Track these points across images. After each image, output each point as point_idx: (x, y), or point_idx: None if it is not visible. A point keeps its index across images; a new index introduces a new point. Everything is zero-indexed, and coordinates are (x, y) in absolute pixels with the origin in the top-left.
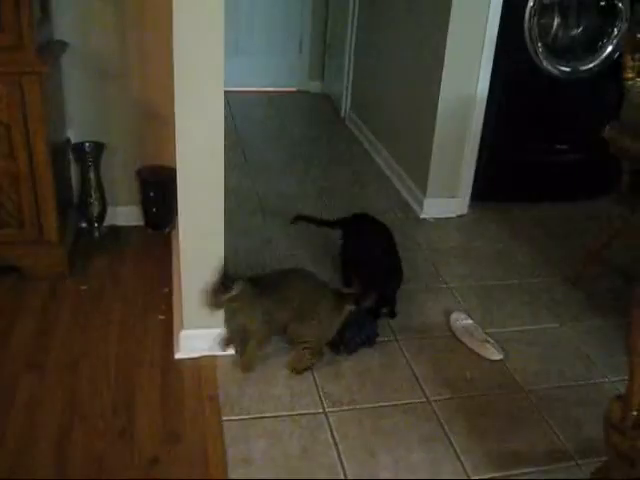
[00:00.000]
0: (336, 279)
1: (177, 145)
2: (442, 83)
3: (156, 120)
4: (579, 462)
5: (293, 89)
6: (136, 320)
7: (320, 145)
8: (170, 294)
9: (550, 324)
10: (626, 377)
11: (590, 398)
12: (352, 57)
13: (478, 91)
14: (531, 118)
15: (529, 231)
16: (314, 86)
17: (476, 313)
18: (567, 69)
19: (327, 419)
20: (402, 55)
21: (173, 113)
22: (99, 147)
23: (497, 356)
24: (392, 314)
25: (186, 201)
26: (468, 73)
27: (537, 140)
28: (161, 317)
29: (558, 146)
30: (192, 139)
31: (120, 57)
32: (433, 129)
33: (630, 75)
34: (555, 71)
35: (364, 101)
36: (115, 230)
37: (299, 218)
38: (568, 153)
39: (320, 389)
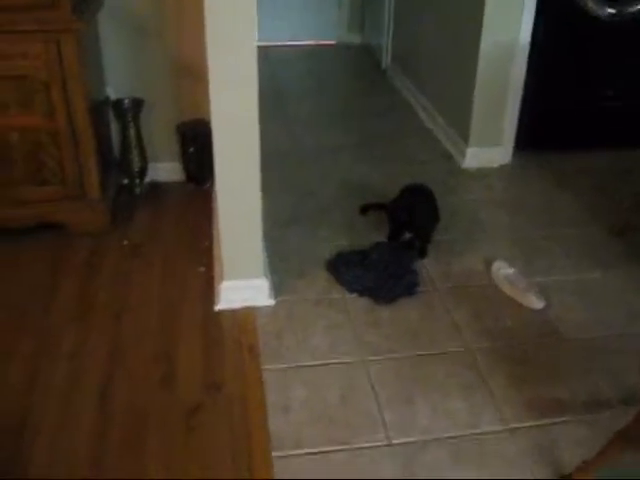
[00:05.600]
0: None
1: (211, 100)
2: (483, 29)
3: (193, 75)
4: (619, 411)
5: (332, 42)
6: (177, 273)
7: (362, 97)
8: (210, 247)
9: (593, 273)
10: None
11: (632, 347)
12: (392, 8)
13: (521, 36)
14: (576, 63)
15: (574, 180)
16: (354, 38)
17: (518, 262)
18: (613, 10)
19: (366, 368)
20: (442, 3)
21: (206, 69)
22: (138, 103)
23: (539, 305)
24: (422, 253)
25: (222, 154)
26: (510, 17)
27: (582, 86)
28: (201, 269)
29: (604, 92)
30: (226, 94)
31: (156, 13)
32: (474, 76)
33: None
34: (601, 13)
35: (405, 52)
36: (156, 186)
37: (367, 208)
38: (614, 99)
39: (359, 338)
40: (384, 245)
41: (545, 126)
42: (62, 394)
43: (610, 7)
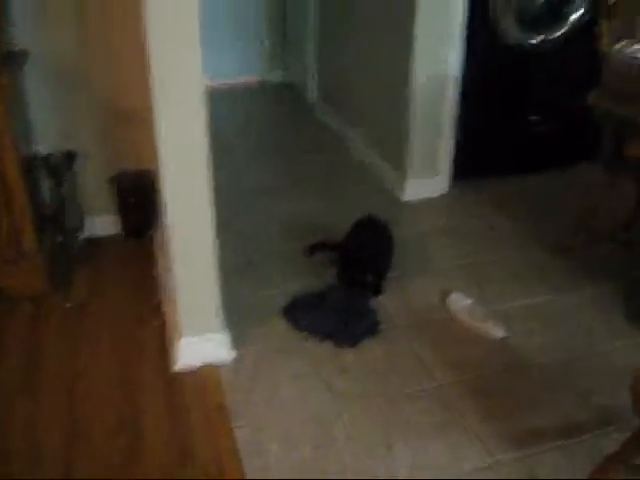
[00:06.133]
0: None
1: (160, 146)
2: (414, 64)
3: (129, 123)
4: (596, 433)
5: (255, 79)
6: (128, 333)
7: (292, 135)
8: (160, 304)
9: (546, 296)
10: (628, 342)
11: (597, 367)
12: (315, 44)
13: (450, 70)
14: (504, 92)
15: (513, 204)
16: (276, 75)
17: (471, 292)
18: (535, 41)
19: (339, 416)
20: (370, 39)
21: (146, 115)
22: (70, 156)
23: (501, 333)
24: (377, 290)
25: (174, 203)
26: (440, 52)
27: (511, 114)
28: (155, 324)
29: (534, 117)
30: (175, 137)
31: (84, 60)
32: (408, 111)
33: (606, 42)
34: (525, 43)
35: (332, 88)
36: (94, 242)
37: (314, 248)
38: (541, 124)
39: (328, 386)
40: (338, 286)
41: (479, 154)
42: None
43: (533, 37)
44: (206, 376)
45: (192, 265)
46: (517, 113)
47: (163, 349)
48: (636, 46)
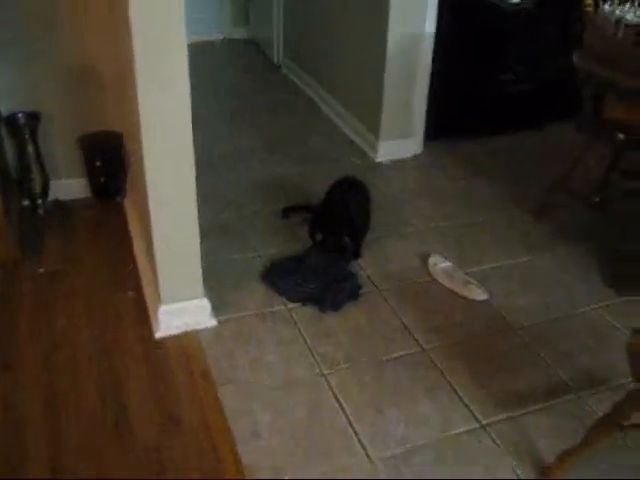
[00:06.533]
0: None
1: (140, 105)
2: (390, 22)
3: (95, 82)
4: (580, 394)
5: (218, 37)
6: (105, 300)
7: (260, 95)
8: (135, 268)
9: (523, 257)
10: (606, 303)
11: (577, 328)
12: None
13: (426, 27)
14: (480, 51)
15: (488, 165)
16: (239, 33)
17: (449, 254)
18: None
19: (327, 381)
20: None
21: (114, 73)
22: (34, 117)
23: (482, 296)
24: (356, 253)
25: (154, 164)
26: (415, 9)
27: (485, 73)
28: (130, 293)
29: (506, 77)
30: (156, 96)
31: (49, 17)
32: (383, 69)
33: (590, 2)
34: (505, 3)
35: (300, 46)
36: (61, 205)
37: (289, 210)
38: (516, 84)
39: (313, 351)
40: (317, 250)
41: (453, 114)
42: (5, 459)
43: None
44: (188, 343)
45: (172, 230)
46: (492, 72)
47: (141, 317)
48: (622, 8)
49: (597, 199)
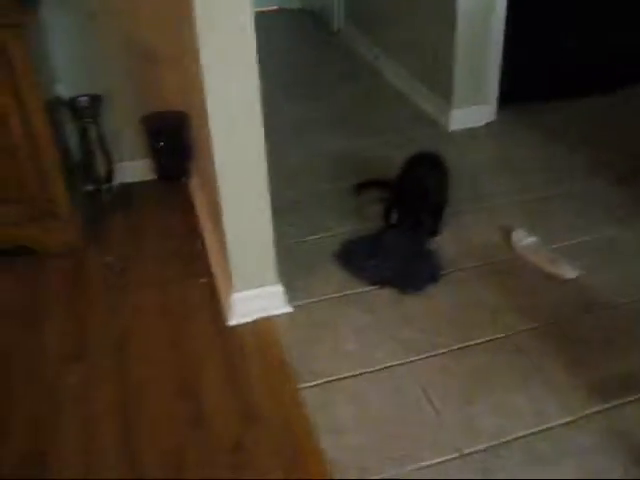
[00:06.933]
0: None
1: (206, 84)
2: None
3: (155, 62)
4: None
5: (273, 7)
6: (175, 287)
7: (320, 65)
8: (204, 251)
9: (612, 230)
10: None
11: None
12: None
13: None
14: (555, 12)
15: (563, 131)
16: (294, 2)
17: (533, 228)
18: None
19: (411, 369)
20: None
21: (176, 51)
22: (96, 100)
23: (572, 274)
24: (434, 231)
25: (223, 145)
26: None
27: (561, 34)
28: (202, 280)
29: (583, 40)
30: (222, 75)
31: None
32: (453, 32)
33: None
34: None
35: (360, 12)
36: (126, 189)
37: (362, 186)
38: (593, 46)
39: (394, 337)
40: (393, 228)
41: (526, 78)
42: (77, 448)
43: None
44: (263, 331)
45: (243, 215)
46: (567, 34)
47: (214, 304)
48: None
49: None
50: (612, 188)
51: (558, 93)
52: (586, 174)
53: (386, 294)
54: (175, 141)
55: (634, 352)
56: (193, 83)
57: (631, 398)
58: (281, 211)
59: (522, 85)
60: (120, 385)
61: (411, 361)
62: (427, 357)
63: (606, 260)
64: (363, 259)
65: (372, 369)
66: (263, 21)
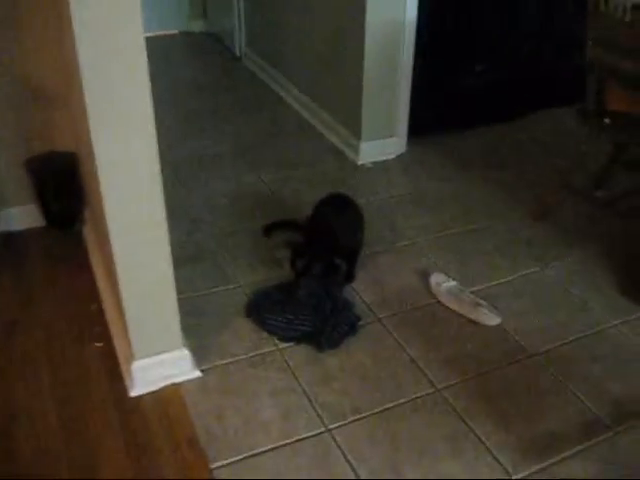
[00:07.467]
0: None
1: (92, 124)
2: (367, 6)
3: (42, 99)
4: (618, 429)
5: (174, 32)
6: (68, 352)
7: (223, 93)
8: (101, 310)
9: (531, 268)
10: (626, 317)
11: (602, 350)
12: None
13: (407, 13)
14: (460, 41)
15: (474, 161)
16: (196, 26)
17: (451, 269)
18: None
19: (333, 438)
20: None
21: (64, 90)
22: None
23: (495, 320)
24: (350, 276)
25: (114, 191)
26: None
27: (468, 62)
28: (98, 344)
29: (489, 66)
30: (114, 113)
31: None
32: (361, 64)
33: None
34: None
35: (265, 37)
36: (11, 237)
37: (271, 228)
38: (498, 72)
39: (314, 401)
40: (306, 276)
41: (435, 109)
42: None
43: None
44: (170, 402)
45: (142, 271)
46: (472, 62)
47: (112, 373)
48: None
49: (599, 195)
50: (528, 223)
51: (465, 123)
52: (500, 208)
53: (303, 351)
54: (65, 185)
55: (557, 405)
56: (81, 123)
57: (563, 455)
58: (185, 260)
59: (430, 116)
60: (5, 474)
61: (334, 428)
62: (351, 422)
63: (528, 302)
64: (276, 313)
65: (292, 440)
66: (162, 46)
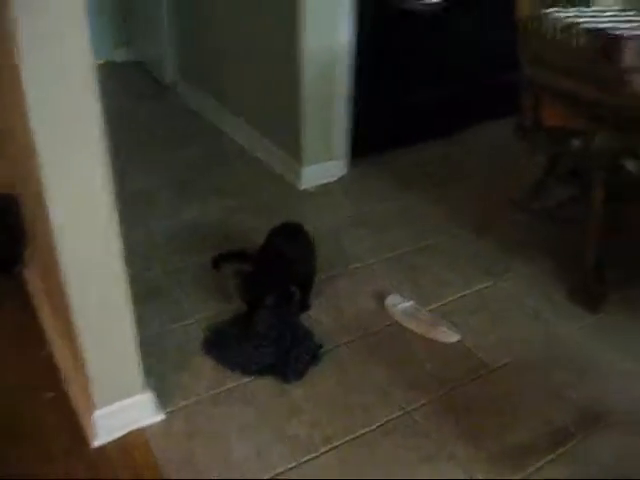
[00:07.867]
0: None
1: (42, 161)
2: (303, 31)
3: None
4: (584, 435)
5: (99, 61)
6: (17, 410)
7: (153, 126)
8: (49, 356)
9: (484, 283)
10: (580, 324)
11: (560, 358)
12: (170, 11)
13: (342, 37)
14: (396, 59)
15: (416, 179)
16: (119, 55)
17: (405, 289)
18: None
19: (307, 472)
20: (244, 5)
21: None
22: None
23: (454, 337)
24: (305, 305)
25: (66, 229)
26: (329, 17)
27: (403, 84)
28: (49, 394)
29: (426, 85)
30: (64, 152)
31: None
32: (299, 88)
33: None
34: (410, 6)
35: (197, 65)
36: None
37: (219, 260)
38: (435, 91)
39: (283, 435)
40: (262, 309)
41: (372, 129)
42: None
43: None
44: (136, 449)
45: (98, 313)
46: (410, 81)
47: (71, 423)
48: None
49: (536, 206)
50: (471, 237)
51: (405, 141)
52: (446, 224)
53: (268, 384)
54: (5, 227)
55: (524, 416)
56: (24, 163)
57: (536, 466)
58: (140, 298)
59: (371, 136)
60: None
61: (306, 461)
62: (322, 454)
63: (484, 316)
64: (234, 346)
65: (267, 478)
66: None
